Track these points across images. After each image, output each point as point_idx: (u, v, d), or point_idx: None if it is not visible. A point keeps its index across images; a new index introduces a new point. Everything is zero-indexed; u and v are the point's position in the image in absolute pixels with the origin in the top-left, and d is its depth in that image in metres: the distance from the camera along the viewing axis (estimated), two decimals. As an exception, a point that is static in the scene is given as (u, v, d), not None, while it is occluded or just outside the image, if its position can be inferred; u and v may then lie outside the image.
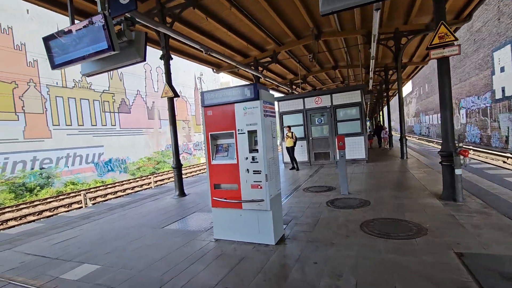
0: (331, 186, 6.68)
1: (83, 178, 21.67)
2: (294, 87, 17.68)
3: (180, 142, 34.08)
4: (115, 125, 25.09)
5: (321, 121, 9.96)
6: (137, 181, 19.66)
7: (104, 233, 4.45)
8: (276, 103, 5.48)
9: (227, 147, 3.66)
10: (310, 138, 10.04)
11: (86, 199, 9.94)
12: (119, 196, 12.92)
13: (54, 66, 4.40)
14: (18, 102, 18.62)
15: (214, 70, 13.23)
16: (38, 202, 13.07)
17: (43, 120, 19.97)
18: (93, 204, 10.93)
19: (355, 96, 9.45)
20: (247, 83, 10.49)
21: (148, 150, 28.05)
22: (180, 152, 30.94)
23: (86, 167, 22.48)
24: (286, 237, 3.64)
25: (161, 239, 3.96)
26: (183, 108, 34.93)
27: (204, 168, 23.27)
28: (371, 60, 9.81)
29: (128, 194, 13.61)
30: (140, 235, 4.20)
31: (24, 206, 12.49)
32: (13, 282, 3.00)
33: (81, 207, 10.33)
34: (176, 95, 6.60)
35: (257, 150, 3.42)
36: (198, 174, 20.93)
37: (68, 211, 10.36)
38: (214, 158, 3.69)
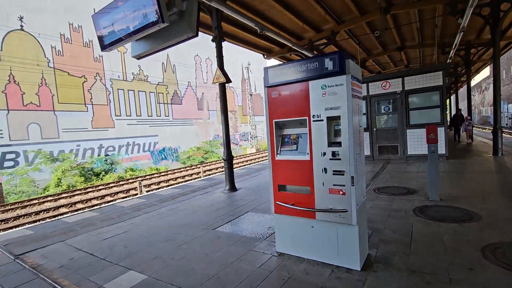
0: (410, 187, 5.41)
1: (140, 165, 23.10)
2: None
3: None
4: (168, 116, 26.14)
5: (388, 109, 8.46)
6: (187, 170, 20.15)
7: (153, 231, 4.03)
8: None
9: (296, 138, 2.82)
10: (374, 129, 8.63)
11: (141, 187, 10.20)
12: (170, 185, 13.19)
13: (104, 47, 4.02)
14: (87, 94, 20.32)
15: (265, 56, 12.41)
16: (101, 187, 14.06)
17: (107, 111, 21.57)
18: (147, 191, 11.27)
19: (435, 78, 7.70)
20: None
21: (197, 139, 28.82)
22: None
23: (143, 155, 23.90)
24: (374, 260, 2.70)
25: (213, 246, 3.34)
26: (230, 99, 35.06)
27: (253, 160, 22.97)
28: (458, 34, 7.90)
29: (178, 183, 13.86)
30: (189, 237, 3.66)
31: (91, 190, 13.52)
32: (58, 286, 2.66)
33: (137, 193, 10.70)
34: (228, 80, 5.96)
35: (339, 144, 2.51)
36: (245, 165, 20.72)
37: (125, 197, 10.82)
38: (279, 152, 2.88)
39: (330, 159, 2.52)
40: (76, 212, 5.86)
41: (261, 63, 40.55)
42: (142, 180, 13.16)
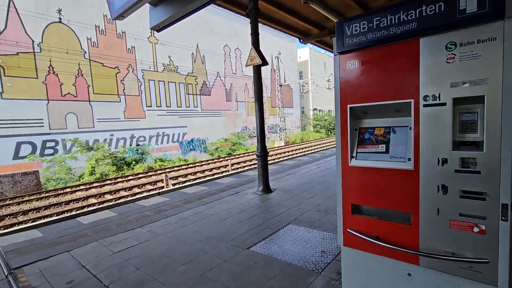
0: None
1: (169, 155, 23.14)
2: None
3: (255, 124, 33.69)
4: (197, 107, 25.88)
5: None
6: (215, 162, 19.67)
7: (172, 245, 3.24)
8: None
9: (384, 134, 1.78)
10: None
11: (167, 179, 9.73)
12: (197, 179, 12.69)
13: (114, 14, 3.23)
14: (120, 85, 20.50)
15: (301, 40, 11.14)
16: (131, 177, 13.97)
17: (139, 101, 21.68)
18: (173, 185, 10.80)
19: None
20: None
21: (225, 131, 28.35)
22: (255, 135, 30.18)
23: (172, 146, 23.92)
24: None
25: (247, 278, 2.44)
26: (259, 90, 34.09)
27: (284, 153, 21.94)
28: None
29: (205, 177, 13.33)
30: (216, 260, 2.80)
31: (120, 180, 13.47)
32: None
33: (163, 187, 10.29)
34: (265, 61, 4.98)
35: (475, 145, 1.44)
36: (276, 160, 19.73)
37: (151, 190, 10.43)
38: (354, 155, 1.86)
39: (457, 170, 1.45)
40: (111, 199, 5.30)
41: (291, 53, 38.87)
42: (170, 171, 12.79)
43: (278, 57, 31.82)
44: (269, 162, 14.27)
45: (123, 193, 10.77)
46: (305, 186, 5.49)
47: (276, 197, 5.01)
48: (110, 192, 10.75)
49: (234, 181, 6.67)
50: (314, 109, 42.52)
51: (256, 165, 5.43)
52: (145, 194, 10.54)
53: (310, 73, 34.49)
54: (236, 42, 29.19)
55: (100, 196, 10.38)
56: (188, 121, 25.13)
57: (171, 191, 5.94)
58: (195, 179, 12.78)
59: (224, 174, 12.26)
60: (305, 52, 43.04)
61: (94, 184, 12.50)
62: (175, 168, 16.72)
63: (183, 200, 5.16)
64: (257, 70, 5.31)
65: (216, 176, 11.82)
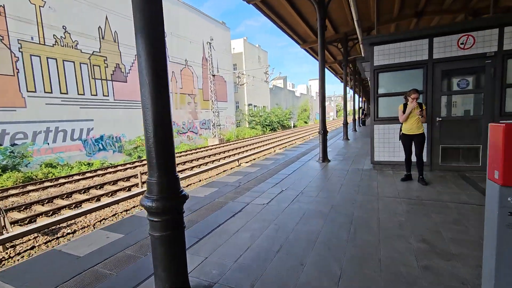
0: None
1: (66, 158, 17.06)
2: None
3: (185, 119, 29.18)
4: (107, 96, 20.07)
5: (467, 85, 4.88)
6: (126, 169, 14.92)
7: None
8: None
9: None
10: (438, 118, 5.01)
11: (4, 219, 5.20)
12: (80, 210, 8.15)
13: None
14: (-23, 58, 13.65)
15: (300, 44, 8.58)
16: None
17: (14, 84, 15.00)
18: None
19: None
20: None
21: (148, 127, 23.23)
22: (185, 131, 25.87)
23: (71, 145, 17.78)
24: None
25: None
26: (188, 80, 29.67)
27: (218, 159, 18.41)
28: None
29: (109, 194, 8.94)
30: None
31: None
32: None
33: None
34: None
35: None
36: (214, 175, 16.00)
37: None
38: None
39: None
40: None
41: (225, 43, 35.41)
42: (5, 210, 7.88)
43: (210, 43, 27.91)
44: (197, 181, 10.68)
45: None
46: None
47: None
48: None
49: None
50: (249, 105, 40.27)
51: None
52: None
53: (244, 66, 31.90)
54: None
55: None
56: (95, 113, 19.19)
57: None
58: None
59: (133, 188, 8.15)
60: (239, 44, 40.18)
61: None
62: (67, 181, 11.42)
63: None
64: None
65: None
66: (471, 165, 4.87)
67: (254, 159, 14.55)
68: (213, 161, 14.10)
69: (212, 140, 27.33)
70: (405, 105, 4.38)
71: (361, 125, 22.14)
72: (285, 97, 54.48)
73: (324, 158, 6.76)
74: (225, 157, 15.12)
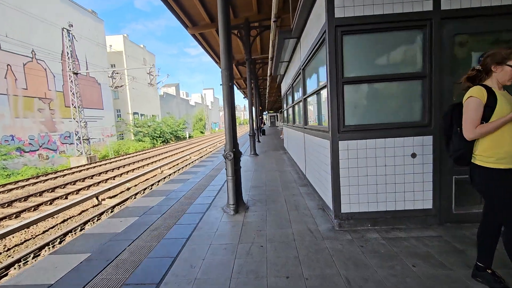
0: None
1: None
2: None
3: (34, 132, 20.14)
4: None
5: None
6: None
7: None
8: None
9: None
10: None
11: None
12: None
13: None
14: None
15: (188, 28, 4.11)
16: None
17: None
18: None
19: None
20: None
21: None
22: (35, 148, 17.11)
23: None
24: None
25: None
26: (38, 78, 20.90)
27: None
28: None
29: None
30: None
31: None
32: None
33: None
34: None
35: None
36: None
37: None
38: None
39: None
40: None
41: (97, 36, 27.54)
42: None
43: (69, 31, 20.22)
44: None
45: None
46: None
47: None
48: None
49: None
50: (135, 113, 33.11)
51: None
52: None
53: (126, 68, 25.50)
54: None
55: None
56: None
57: None
58: None
59: None
60: (118, 41, 32.69)
61: None
62: None
63: None
64: None
65: None
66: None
67: (126, 191, 9.75)
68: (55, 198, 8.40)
69: (76, 159, 19.63)
70: (488, 92, 1.66)
71: (261, 134, 20.67)
72: (178, 106, 49.18)
73: (238, 205, 3.48)
74: (79, 190, 9.57)
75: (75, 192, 9.21)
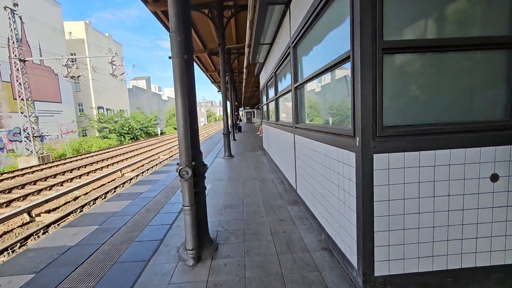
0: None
1: None
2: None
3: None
4: None
5: None
6: None
7: None
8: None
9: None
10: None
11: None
12: None
13: None
14: None
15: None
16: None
17: None
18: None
19: None
20: None
21: None
22: None
23: None
24: None
25: None
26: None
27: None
28: None
29: None
30: None
31: None
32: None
33: None
34: None
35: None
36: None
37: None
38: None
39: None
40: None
41: (53, 20, 24.19)
42: None
43: (14, 11, 17.20)
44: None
45: None
46: None
47: None
48: None
49: None
50: (99, 108, 29.98)
51: None
52: None
53: (88, 58, 22.64)
54: None
55: None
56: None
57: None
58: None
59: None
60: (78, 27, 29.25)
61: None
62: None
63: None
64: None
65: None
66: None
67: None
68: None
69: (25, 159, 16.89)
70: None
71: (237, 131, 19.35)
72: (149, 100, 45.96)
73: (200, 248, 2.19)
74: (12, 200, 7.61)
75: (4, 205, 7.27)
